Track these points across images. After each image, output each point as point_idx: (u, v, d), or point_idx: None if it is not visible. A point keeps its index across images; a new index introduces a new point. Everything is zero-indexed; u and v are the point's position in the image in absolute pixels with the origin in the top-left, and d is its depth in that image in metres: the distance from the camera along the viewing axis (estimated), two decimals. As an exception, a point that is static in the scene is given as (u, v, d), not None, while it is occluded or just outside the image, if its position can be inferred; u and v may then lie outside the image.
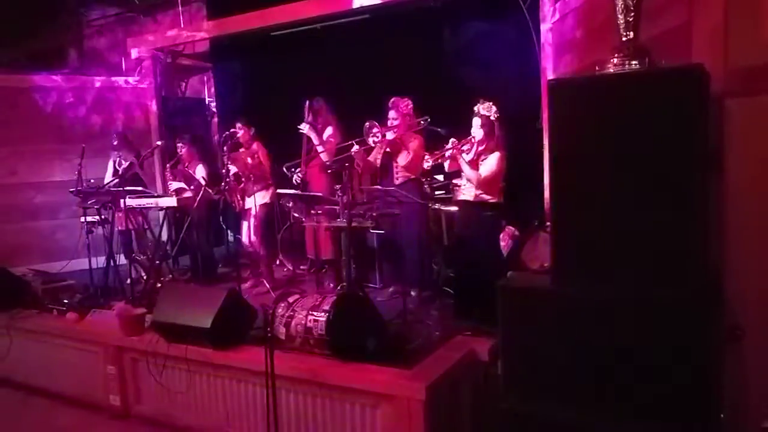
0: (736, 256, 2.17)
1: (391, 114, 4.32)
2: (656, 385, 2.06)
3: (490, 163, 3.80)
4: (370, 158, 4.39)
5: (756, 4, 2.09)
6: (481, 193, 3.85)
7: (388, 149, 4.29)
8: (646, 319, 2.06)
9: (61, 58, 7.05)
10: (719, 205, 2.17)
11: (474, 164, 3.85)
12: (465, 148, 3.85)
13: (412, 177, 4.33)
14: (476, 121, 3.86)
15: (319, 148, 4.73)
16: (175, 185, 5.29)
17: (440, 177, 5.07)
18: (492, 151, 3.82)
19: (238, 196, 4.88)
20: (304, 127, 4.77)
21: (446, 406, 2.89)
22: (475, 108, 3.90)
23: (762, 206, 2.11)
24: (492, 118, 3.84)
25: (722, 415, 2.16)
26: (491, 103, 3.87)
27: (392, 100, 4.36)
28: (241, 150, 4.86)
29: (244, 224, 5.03)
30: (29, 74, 6.38)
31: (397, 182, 4.29)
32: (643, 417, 2.08)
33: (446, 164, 4.02)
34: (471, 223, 3.93)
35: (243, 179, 4.79)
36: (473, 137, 3.85)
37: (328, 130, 4.82)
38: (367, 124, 4.20)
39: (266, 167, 4.93)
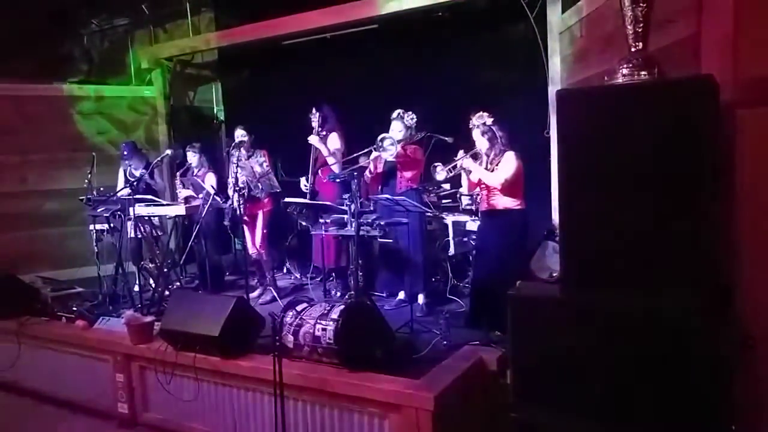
0: (749, 266, 2.16)
1: (396, 125, 4.33)
2: (666, 396, 2.05)
3: (508, 164, 3.71)
4: (377, 166, 4.41)
5: (766, 14, 2.09)
6: (511, 200, 3.77)
7: (393, 158, 4.31)
8: (656, 328, 2.06)
9: (71, 67, 7.12)
10: (731, 215, 2.16)
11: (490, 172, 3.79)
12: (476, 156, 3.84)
13: (414, 186, 4.37)
14: (477, 132, 3.84)
15: (329, 160, 4.74)
16: (184, 193, 5.32)
17: (447, 185, 5.09)
18: (502, 153, 3.76)
19: (241, 202, 4.88)
20: (314, 139, 4.80)
21: (455, 417, 2.87)
22: (470, 123, 3.90)
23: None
24: (488, 123, 3.83)
25: (733, 427, 2.14)
26: (482, 112, 3.87)
27: (396, 112, 4.37)
28: (247, 159, 4.88)
29: (247, 233, 5.05)
30: (39, 83, 6.44)
31: (399, 190, 4.32)
32: (653, 427, 2.07)
33: (465, 181, 3.96)
34: (495, 233, 3.83)
35: (251, 187, 4.81)
36: (479, 148, 3.85)
37: (334, 140, 4.83)
38: (382, 136, 4.20)
39: (273, 175, 4.95)
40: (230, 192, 4.70)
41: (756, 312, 2.14)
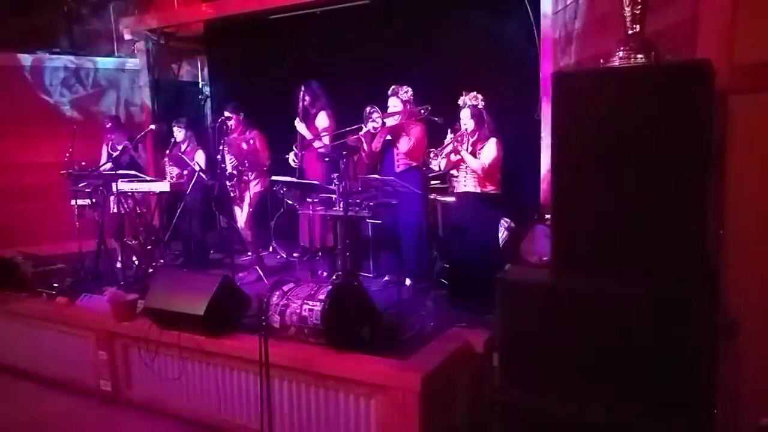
0: (736, 252, 2.17)
1: (392, 101, 4.27)
2: (651, 379, 2.07)
3: (490, 150, 3.78)
4: (373, 145, 4.34)
5: (763, 0, 2.07)
6: (487, 185, 3.82)
7: (389, 136, 4.25)
8: (643, 313, 2.07)
9: (52, 37, 6.91)
10: (720, 200, 2.17)
11: (472, 155, 3.83)
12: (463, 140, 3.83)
13: (414, 164, 4.27)
14: (465, 113, 3.85)
15: (316, 143, 4.67)
16: (173, 171, 5.23)
17: (436, 167, 5.05)
18: (487, 139, 3.82)
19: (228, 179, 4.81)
20: (301, 127, 4.73)
21: (441, 398, 2.89)
22: (461, 101, 3.91)
23: (763, 203, 2.10)
24: (479, 106, 3.86)
25: (715, 410, 2.17)
26: (476, 93, 3.90)
27: (392, 87, 4.31)
28: (234, 136, 4.80)
29: (237, 210, 4.99)
30: (19, 53, 6.25)
31: (398, 170, 4.25)
32: (638, 410, 2.09)
33: (443, 163, 3.99)
34: (469, 215, 3.91)
35: (238, 165, 4.74)
36: (465, 128, 3.84)
37: (322, 118, 4.75)
38: (368, 108, 4.14)
39: (263, 154, 4.87)
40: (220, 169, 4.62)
41: (741, 297, 2.16)
